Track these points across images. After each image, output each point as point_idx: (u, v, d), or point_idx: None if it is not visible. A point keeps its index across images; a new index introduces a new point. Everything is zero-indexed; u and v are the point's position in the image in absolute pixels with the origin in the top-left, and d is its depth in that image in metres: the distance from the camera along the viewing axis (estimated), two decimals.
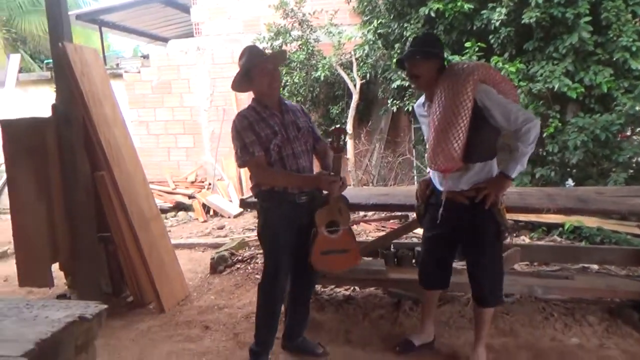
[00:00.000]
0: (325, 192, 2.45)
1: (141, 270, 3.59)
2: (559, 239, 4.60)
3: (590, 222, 4.51)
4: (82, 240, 3.68)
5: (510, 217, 4.92)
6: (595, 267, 3.72)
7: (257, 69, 2.40)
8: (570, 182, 5.24)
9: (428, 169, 2.71)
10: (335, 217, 2.45)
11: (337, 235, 2.46)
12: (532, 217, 4.74)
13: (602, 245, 4.05)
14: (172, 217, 6.88)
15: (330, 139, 2.43)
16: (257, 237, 2.85)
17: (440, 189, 2.50)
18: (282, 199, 2.43)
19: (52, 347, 1.64)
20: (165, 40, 10.81)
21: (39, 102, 8.49)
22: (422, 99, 2.60)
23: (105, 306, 1.89)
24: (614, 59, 4.84)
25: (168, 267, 3.77)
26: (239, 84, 2.53)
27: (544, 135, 5.06)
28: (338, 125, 2.55)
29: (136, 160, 3.92)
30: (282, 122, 2.44)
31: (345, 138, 2.48)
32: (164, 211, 7.00)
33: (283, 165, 2.41)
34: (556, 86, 4.80)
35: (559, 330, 2.99)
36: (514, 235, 4.88)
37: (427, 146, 2.47)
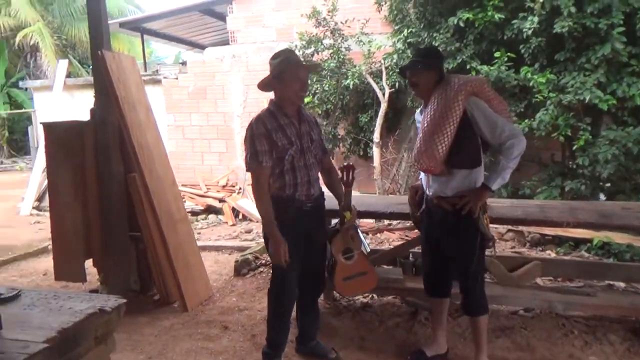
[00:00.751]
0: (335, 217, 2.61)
1: (167, 270, 3.74)
2: (586, 254, 4.48)
3: (620, 238, 4.38)
4: (114, 238, 3.87)
5: (536, 230, 4.86)
6: (622, 285, 3.63)
7: (291, 73, 2.43)
8: (602, 196, 5.11)
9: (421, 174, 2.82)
10: (349, 243, 2.63)
11: (354, 260, 2.66)
12: (559, 232, 4.64)
13: (629, 263, 3.93)
14: (203, 219, 7.08)
15: (340, 175, 2.61)
16: None
17: (428, 192, 2.62)
18: (289, 204, 2.49)
19: (72, 335, 1.77)
20: (203, 47, 11.16)
21: (84, 105, 8.90)
22: (422, 107, 2.70)
23: (124, 300, 2.01)
24: None
25: (193, 268, 3.91)
26: (268, 84, 2.53)
27: (574, 147, 4.96)
28: (346, 163, 2.65)
29: (166, 163, 4.08)
30: (299, 133, 2.50)
31: (353, 174, 2.65)
32: (195, 214, 7.23)
33: (295, 175, 2.46)
34: (587, 98, 4.70)
35: (578, 348, 2.94)
36: (539, 249, 4.80)
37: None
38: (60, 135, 3.81)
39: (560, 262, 3.72)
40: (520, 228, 4.95)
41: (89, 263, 3.97)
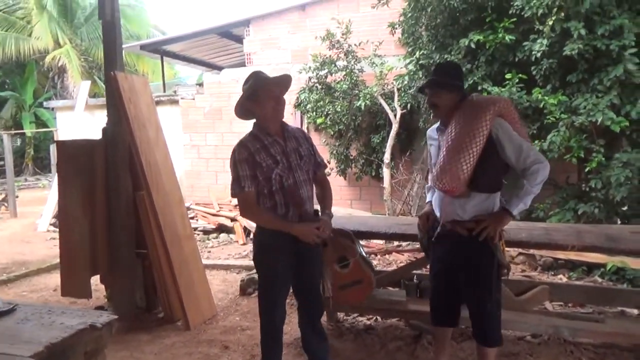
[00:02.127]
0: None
1: (171, 288, 3.76)
2: (599, 279, 4.35)
3: (636, 263, 4.25)
4: (120, 255, 3.92)
5: (548, 254, 4.75)
6: (635, 311, 3.50)
7: (263, 91, 2.39)
8: (619, 220, 4.98)
9: (427, 197, 2.74)
10: (343, 252, 2.58)
11: (349, 268, 2.62)
12: (572, 256, 4.52)
13: (639, 289, 3.79)
14: (214, 238, 7.11)
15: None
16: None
17: (440, 216, 2.50)
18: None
19: (61, 350, 1.80)
20: (220, 68, 11.38)
21: (103, 124, 9.16)
22: (436, 124, 2.61)
23: (116, 317, 2.03)
24: None
25: (197, 286, 3.92)
26: (243, 108, 2.50)
27: (587, 170, 4.86)
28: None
29: (174, 181, 4.14)
30: (284, 150, 2.45)
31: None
32: (207, 232, 7.27)
33: (284, 194, 2.41)
34: (599, 119, 4.62)
35: None
36: (551, 273, 4.68)
37: (434, 167, 2.46)
38: (72, 153, 3.90)
39: (568, 287, 3.61)
40: (532, 251, 4.84)
41: (96, 279, 4.03)
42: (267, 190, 2.42)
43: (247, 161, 2.40)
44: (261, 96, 2.40)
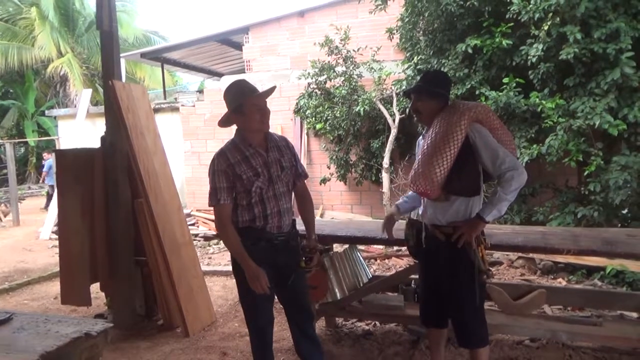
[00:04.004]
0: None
1: (170, 295, 3.78)
2: (599, 283, 4.34)
3: (635, 266, 4.24)
4: (119, 262, 3.94)
5: (548, 258, 4.74)
6: (634, 315, 3.49)
7: (248, 104, 2.35)
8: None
9: (400, 199, 2.85)
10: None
11: (309, 274, 2.67)
12: (571, 259, 4.52)
13: (637, 292, 3.78)
14: (215, 244, 7.13)
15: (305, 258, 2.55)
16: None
17: (423, 219, 2.56)
18: (260, 236, 2.41)
19: (56, 359, 1.80)
20: (221, 75, 11.46)
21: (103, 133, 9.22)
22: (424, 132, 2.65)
23: (111, 325, 2.05)
24: None
25: (196, 293, 3.93)
26: (229, 120, 2.46)
27: (586, 173, 4.86)
28: (320, 247, 2.70)
29: (173, 188, 4.16)
30: (266, 162, 2.41)
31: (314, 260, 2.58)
32: (207, 238, 7.30)
33: (264, 207, 2.38)
34: (597, 123, 4.62)
35: None
36: (551, 277, 4.67)
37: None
38: (71, 162, 3.94)
39: (566, 290, 3.61)
40: (531, 255, 4.84)
41: (97, 287, 4.05)
42: (246, 202, 2.38)
43: (225, 173, 2.34)
44: (247, 109, 2.35)
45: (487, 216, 2.35)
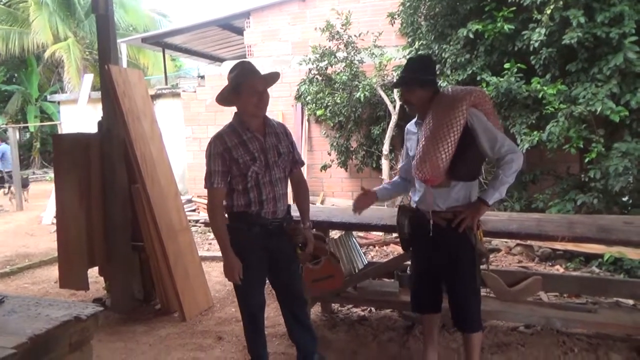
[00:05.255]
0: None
1: (167, 280, 3.79)
2: (597, 270, 4.33)
3: (634, 254, 4.22)
4: (117, 247, 3.96)
5: (547, 245, 4.73)
6: (630, 302, 3.48)
7: (246, 86, 2.32)
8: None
9: (384, 183, 2.86)
10: (315, 252, 2.67)
11: (320, 265, 2.77)
12: (570, 246, 4.50)
13: (633, 279, 3.77)
14: None
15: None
16: None
17: (417, 206, 2.55)
18: (255, 221, 2.41)
19: (44, 342, 1.82)
20: (222, 60, 11.38)
21: None
22: (415, 119, 2.62)
23: (102, 308, 2.06)
24: None
25: (193, 278, 3.95)
26: (225, 97, 2.43)
27: (586, 160, 4.82)
28: (317, 233, 2.75)
29: (170, 174, 4.16)
30: (263, 147, 2.39)
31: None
32: (207, 224, 7.29)
33: (260, 192, 2.38)
34: (599, 109, 4.57)
35: None
36: (549, 264, 4.66)
37: (413, 159, 2.47)
38: (67, 147, 3.93)
39: (562, 277, 3.60)
40: (529, 242, 4.82)
41: (96, 271, 4.08)
42: (242, 186, 2.38)
43: (221, 156, 2.34)
44: (244, 90, 2.32)
45: (489, 199, 2.35)
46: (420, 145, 2.39)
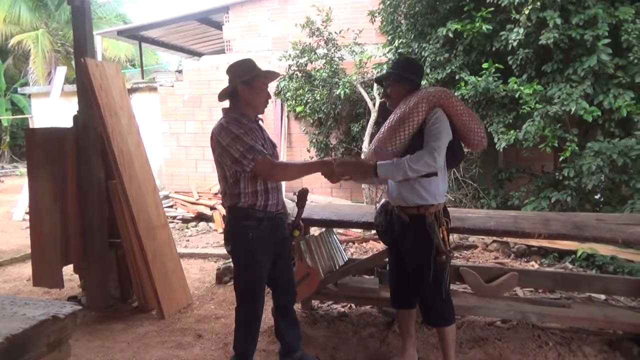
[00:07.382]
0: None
1: (145, 277, 3.74)
2: (570, 266, 4.45)
3: (605, 250, 4.35)
4: (93, 244, 3.88)
5: (522, 242, 4.83)
6: (602, 297, 3.59)
7: (259, 81, 2.43)
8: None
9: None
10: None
11: (296, 267, 2.83)
12: (544, 243, 4.61)
13: (604, 275, 3.88)
14: (193, 227, 7.07)
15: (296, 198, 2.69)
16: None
17: (389, 201, 2.65)
18: (263, 216, 2.43)
19: (22, 342, 1.77)
20: (201, 55, 11.24)
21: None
22: None
23: (80, 307, 2.01)
24: (636, 82, 4.69)
25: (171, 275, 3.90)
26: (231, 92, 2.45)
27: (560, 159, 4.94)
28: (303, 188, 2.71)
29: (148, 169, 4.09)
30: (265, 137, 2.51)
31: (307, 197, 2.72)
32: (185, 221, 7.24)
33: (264, 181, 2.42)
34: (573, 109, 4.68)
35: None
36: (524, 260, 4.76)
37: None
38: (41, 141, 3.82)
39: (537, 273, 3.68)
40: (505, 239, 4.92)
41: (71, 269, 3.99)
42: (250, 174, 2.39)
43: (245, 134, 2.34)
44: (257, 86, 2.43)
45: (381, 169, 2.39)
46: (381, 130, 2.53)
